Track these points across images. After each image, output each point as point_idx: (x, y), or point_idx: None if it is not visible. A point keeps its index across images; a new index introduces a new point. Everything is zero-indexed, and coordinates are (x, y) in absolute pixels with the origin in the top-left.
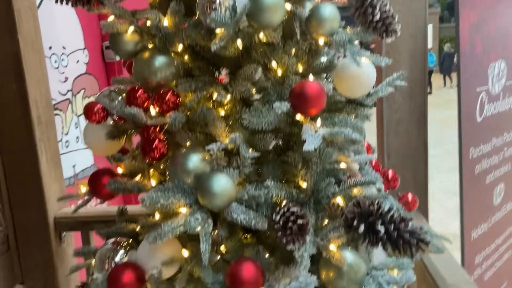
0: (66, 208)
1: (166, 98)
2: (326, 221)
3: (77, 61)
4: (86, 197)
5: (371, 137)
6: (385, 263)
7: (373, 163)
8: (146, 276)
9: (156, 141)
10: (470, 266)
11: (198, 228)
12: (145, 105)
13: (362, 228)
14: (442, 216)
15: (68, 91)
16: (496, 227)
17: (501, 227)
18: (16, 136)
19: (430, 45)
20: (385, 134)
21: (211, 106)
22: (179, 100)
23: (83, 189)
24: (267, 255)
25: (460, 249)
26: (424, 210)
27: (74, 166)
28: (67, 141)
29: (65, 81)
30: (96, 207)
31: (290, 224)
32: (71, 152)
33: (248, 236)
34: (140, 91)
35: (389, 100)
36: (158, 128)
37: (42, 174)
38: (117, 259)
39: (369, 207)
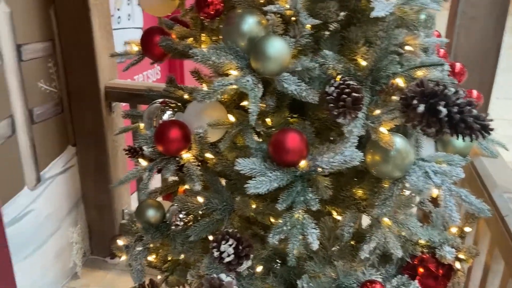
0: (117, 80)
1: None
2: (379, 108)
3: None
4: (137, 57)
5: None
6: (434, 156)
7: (442, 52)
8: (191, 136)
9: None
10: None
11: (249, 89)
12: None
13: (421, 108)
14: None
15: None
16: None
17: None
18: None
19: None
20: (456, 33)
21: None
22: None
23: (135, 48)
24: (313, 135)
25: None
26: None
27: None
28: (119, 17)
29: None
30: (145, 82)
31: (344, 96)
32: (123, 29)
33: (294, 116)
34: None
35: None
36: None
37: (94, 40)
38: (165, 117)
39: (433, 88)
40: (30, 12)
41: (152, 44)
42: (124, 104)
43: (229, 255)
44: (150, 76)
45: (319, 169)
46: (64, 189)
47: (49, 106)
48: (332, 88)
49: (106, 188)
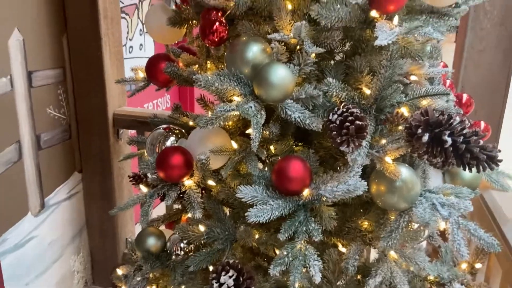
0: (126, 107)
1: None
2: (384, 137)
3: None
4: (143, 83)
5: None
6: (441, 188)
7: (448, 83)
8: (194, 162)
9: (217, 23)
10: None
11: (251, 115)
12: None
13: (426, 137)
14: None
15: None
16: None
17: None
18: (83, 28)
19: None
20: (463, 65)
21: None
22: None
23: (141, 74)
24: (317, 163)
25: None
26: None
27: None
28: (131, 47)
29: None
30: (152, 109)
31: (347, 123)
32: (134, 58)
33: (299, 144)
34: None
35: (475, 27)
36: (220, 13)
37: (104, 68)
38: (167, 143)
39: (437, 117)
40: (42, 40)
41: (157, 70)
42: (132, 131)
43: (229, 287)
44: (160, 104)
45: (323, 199)
46: (68, 216)
47: (57, 132)
48: (335, 116)
49: (110, 216)
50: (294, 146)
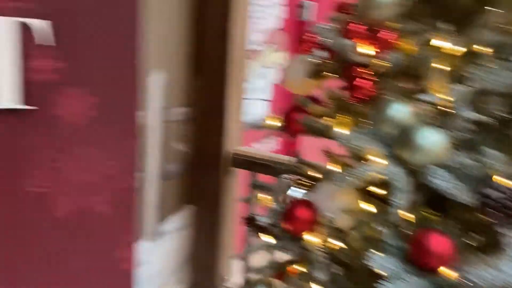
0: (242, 147)
1: (382, 36)
2: None
3: (274, 15)
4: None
5: None
6: None
7: None
8: (320, 218)
9: (367, 81)
10: None
11: (396, 180)
12: (356, 40)
13: None
14: None
15: (260, 41)
16: None
17: None
18: (213, 71)
19: None
20: None
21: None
22: (395, 41)
23: (275, 122)
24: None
25: None
26: None
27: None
28: (249, 89)
29: (259, 32)
30: (269, 152)
31: (508, 202)
32: (250, 99)
33: (435, 213)
34: (356, 25)
35: None
36: (367, 70)
37: (227, 109)
38: (296, 195)
39: None
40: (178, 80)
41: (293, 121)
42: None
43: None
44: (268, 145)
45: (470, 283)
46: (177, 246)
47: (178, 165)
48: (495, 192)
49: (213, 251)
50: (426, 213)
